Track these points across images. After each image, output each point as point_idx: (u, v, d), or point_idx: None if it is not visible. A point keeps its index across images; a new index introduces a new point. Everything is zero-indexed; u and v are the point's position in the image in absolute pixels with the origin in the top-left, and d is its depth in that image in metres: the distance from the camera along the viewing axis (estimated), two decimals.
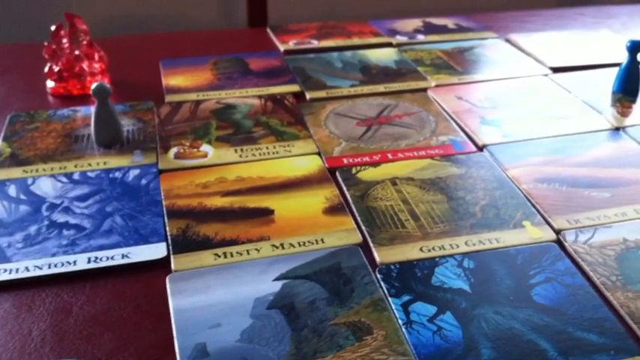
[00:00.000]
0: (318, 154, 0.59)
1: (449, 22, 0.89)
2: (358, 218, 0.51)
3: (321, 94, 0.69)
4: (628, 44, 0.68)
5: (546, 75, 0.74)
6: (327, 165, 0.57)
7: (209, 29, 1.45)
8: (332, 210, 0.52)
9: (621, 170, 0.57)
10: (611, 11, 0.98)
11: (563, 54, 0.79)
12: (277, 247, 0.48)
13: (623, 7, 1.00)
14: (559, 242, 0.49)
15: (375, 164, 0.58)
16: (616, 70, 0.71)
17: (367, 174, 0.56)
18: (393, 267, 0.46)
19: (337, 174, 0.56)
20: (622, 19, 0.94)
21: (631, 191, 0.54)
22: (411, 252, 0.47)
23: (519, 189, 0.55)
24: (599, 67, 0.76)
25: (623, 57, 0.70)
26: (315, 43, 0.81)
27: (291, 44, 0.81)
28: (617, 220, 0.51)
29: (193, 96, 0.68)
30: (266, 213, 0.51)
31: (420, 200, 0.53)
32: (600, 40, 0.84)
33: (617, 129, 0.64)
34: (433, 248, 0.48)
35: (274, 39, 0.83)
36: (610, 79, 0.71)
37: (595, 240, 0.49)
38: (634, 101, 0.69)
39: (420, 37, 0.83)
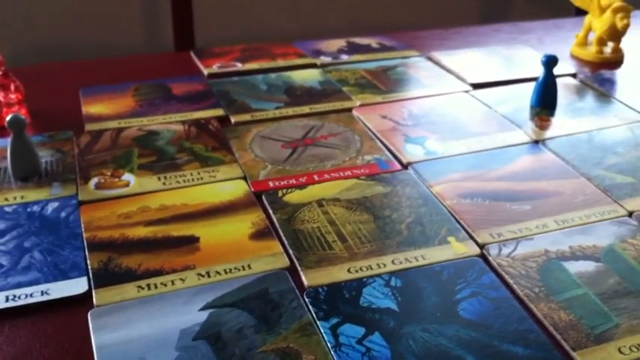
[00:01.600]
0: (244, 178, 0.58)
1: (372, 42, 0.90)
2: (285, 242, 0.51)
3: (246, 117, 0.69)
4: (543, 59, 0.71)
5: (467, 91, 0.76)
6: (252, 189, 0.57)
7: (136, 54, 1.44)
8: (258, 235, 0.51)
9: (541, 182, 0.59)
10: (527, 27, 1.01)
11: (482, 70, 0.81)
12: (203, 276, 0.47)
13: (538, 22, 1.03)
14: (483, 256, 0.50)
15: (302, 186, 0.57)
16: (533, 84, 0.73)
17: (293, 196, 0.56)
18: (321, 290, 0.46)
19: (263, 198, 0.56)
20: (538, 34, 0.97)
21: (550, 203, 0.56)
22: (338, 273, 0.47)
23: (444, 205, 0.55)
24: (518, 82, 0.78)
25: (540, 71, 0.72)
26: (240, 66, 0.80)
27: (215, 68, 0.80)
28: (538, 231, 0.52)
29: (114, 124, 0.67)
30: (191, 241, 0.50)
31: (347, 221, 0.53)
32: (518, 56, 0.86)
33: (536, 142, 0.65)
34: (361, 269, 0.48)
35: (198, 63, 0.82)
36: (528, 94, 0.73)
37: (518, 252, 0.50)
38: (552, 114, 0.71)
39: (344, 57, 0.84)
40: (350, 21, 1.89)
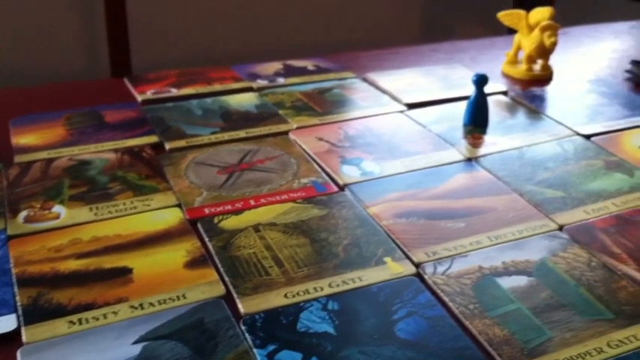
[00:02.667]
0: (179, 206, 0.58)
1: (308, 64, 0.90)
2: (221, 269, 0.50)
3: (181, 143, 0.68)
4: (474, 78, 0.72)
5: (402, 111, 0.77)
6: (187, 216, 0.56)
7: (72, 81, 1.42)
8: (194, 263, 0.50)
9: (474, 200, 0.60)
10: (462, 46, 1.03)
11: (418, 90, 0.82)
12: (136, 308, 0.46)
13: (472, 41, 1.06)
14: (419, 275, 0.50)
15: (238, 212, 0.57)
16: (466, 103, 0.74)
17: (229, 223, 0.56)
18: (257, 317, 0.46)
19: (199, 225, 0.55)
20: (471, 54, 0.99)
21: (484, 219, 0.57)
22: (275, 299, 0.47)
23: (380, 226, 0.56)
24: (452, 101, 0.80)
25: (472, 90, 0.73)
26: (175, 92, 0.80)
27: (149, 94, 0.79)
28: (472, 248, 0.53)
29: (44, 154, 0.65)
30: (124, 272, 0.49)
31: (284, 245, 0.53)
32: (452, 75, 0.88)
33: (470, 160, 0.67)
34: (298, 293, 0.48)
35: (132, 89, 0.81)
36: (462, 112, 0.74)
37: (452, 270, 0.50)
38: (484, 132, 0.72)
39: (281, 80, 0.84)
40: (288, 43, 1.90)
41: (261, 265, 0.50)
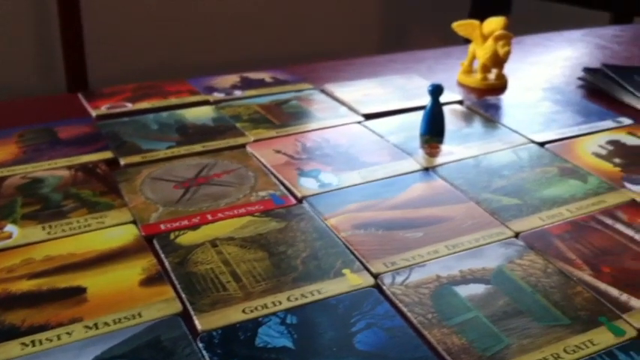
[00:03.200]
0: (134, 222, 0.57)
1: (266, 76, 0.90)
2: (178, 286, 0.49)
3: (136, 158, 0.67)
4: (429, 88, 0.73)
5: (359, 122, 0.77)
6: (143, 233, 0.55)
7: (25, 97, 1.39)
8: (149, 281, 0.50)
9: (432, 209, 0.60)
10: (419, 56, 1.04)
11: (375, 101, 0.83)
12: (91, 328, 0.45)
13: (429, 51, 1.07)
14: (378, 286, 0.50)
15: (195, 227, 0.56)
16: (423, 112, 0.75)
17: (186, 238, 0.55)
18: (215, 333, 0.45)
19: (155, 241, 0.54)
20: (428, 63, 1.00)
21: (442, 229, 0.57)
22: (233, 315, 0.46)
23: (338, 237, 0.55)
24: (409, 111, 0.80)
25: (428, 100, 0.74)
26: (130, 106, 0.79)
27: (104, 109, 0.78)
28: (430, 258, 0.53)
29: None
30: (78, 292, 0.48)
31: (242, 260, 0.52)
32: (409, 85, 0.89)
33: (427, 169, 0.67)
34: (256, 308, 0.47)
35: (86, 104, 0.80)
36: (419, 122, 0.75)
37: (411, 280, 0.51)
38: (441, 141, 0.73)
39: (238, 93, 0.84)
40: (245, 56, 1.90)
41: (218, 281, 0.50)
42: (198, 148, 0.70)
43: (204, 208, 0.59)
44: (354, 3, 2.09)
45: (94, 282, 0.49)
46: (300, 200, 0.61)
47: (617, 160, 0.69)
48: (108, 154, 0.68)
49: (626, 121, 0.79)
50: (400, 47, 2.16)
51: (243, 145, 0.71)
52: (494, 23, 0.88)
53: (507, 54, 0.87)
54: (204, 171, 0.65)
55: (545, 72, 0.99)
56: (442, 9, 2.11)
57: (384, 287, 0.50)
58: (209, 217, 0.58)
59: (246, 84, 0.87)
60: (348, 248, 0.54)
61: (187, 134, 0.73)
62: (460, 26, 0.91)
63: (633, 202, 0.62)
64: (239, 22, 1.94)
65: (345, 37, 2.10)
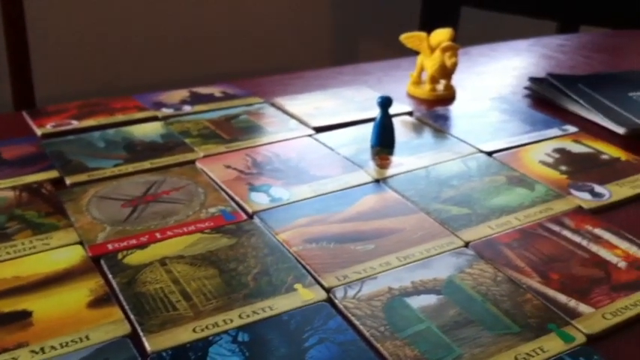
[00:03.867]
0: (81, 243, 0.55)
1: (215, 91, 0.89)
2: (126, 307, 0.48)
3: (82, 177, 0.66)
4: (379, 100, 0.73)
5: (310, 135, 0.77)
6: (90, 254, 0.54)
7: None
8: (97, 302, 0.49)
9: (383, 221, 0.60)
10: (367, 68, 1.05)
11: (325, 113, 0.83)
12: (37, 353, 0.44)
13: (378, 63, 1.07)
14: (330, 300, 0.50)
15: (143, 246, 0.55)
16: (373, 124, 0.75)
17: (134, 258, 0.54)
18: (165, 354, 0.44)
19: (102, 262, 0.53)
20: (378, 75, 1.01)
21: (393, 240, 0.57)
22: (183, 335, 0.46)
23: (290, 252, 0.55)
24: (359, 123, 0.80)
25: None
26: (76, 124, 0.77)
27: (49, 127, 0.76)
28: (381, 270, 0.53)
29: None
30: (23, 316, 0.47)
31: (192, 278, 0.52)
32: (358, 97, 0.89)
33: (378, 181, 0.67)
34: (207, 327, 0.46)
35: (31, 123, 0.78)
36: (369, 134, 0.75)
37: (363, 293, 0.50)
38: (391, 153, 0.73)
39: (187, 108, 0.83)
40: (194, 72, 1.89)
41: (168, 300, 0.49)
42: (146, 165, 0.69)
43: (152, 226, 0.58)
44: (304, 16, 2.10)
45: (39, 305, 0.48)
46: (250, 216, 0.61)
47: (563, 168, 0.71)
48: (53, 174, 0.66)
49: (572, 129, 0.81)
50: (352, 59, 2.18)
51: (192, 161, 0.70)
52: (441, 35, 0.89)
53: (454, 65, 0.88)
54: (153, 188, 0.64)
55: (492, 82, 1.00)
56: (393, 21, 2.14)
57: (336, 301, 0.50)
58: (158, 235, 0.57)
59: (196, 99, 0.86)
60: (300, 263, 0.54)
61: (135, 151, 0.71)
62: (408, 38, 0.91)
63: (579, 208, 0.63)
64: (188, 37, 1.93)
65: (296, 51, 2.10)
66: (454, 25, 1.85)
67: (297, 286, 0.51)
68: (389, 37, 0.93)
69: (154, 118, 0.80)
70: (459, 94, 0.93)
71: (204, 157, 0.71)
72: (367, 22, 2.22)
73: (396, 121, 0.79)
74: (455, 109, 0.87)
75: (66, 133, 0.75)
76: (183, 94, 0.88)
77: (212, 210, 0.61)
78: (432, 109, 0.86)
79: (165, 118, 0.80)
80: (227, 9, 1.96)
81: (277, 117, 0.82)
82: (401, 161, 0.71)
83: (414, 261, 0.54)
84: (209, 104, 0.85)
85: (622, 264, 0.55)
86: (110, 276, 0.52)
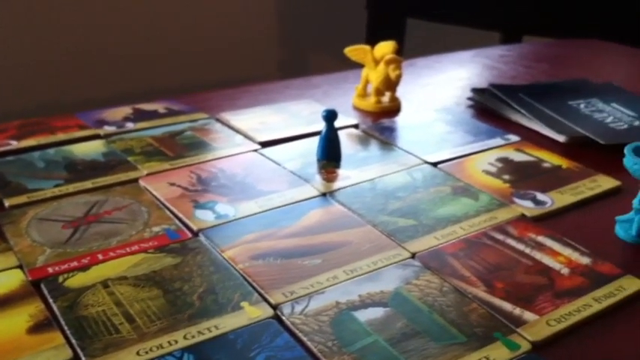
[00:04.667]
0: (20, 267, 0.54)
1: (159, 107, 0.88)
2: (67, 331, 0.47)
3: (22, 199, 0.64)
4: (324, 114, 0.73)
5: (256, 150, 0.76)
6: (30, 278, 0.52)
7: None
8: (37, 328, 0.47)
9: (330, 235, 0.60)
10: (314, 82, 1.05)
11: (271, 128, 0.82)
12: None
13: (324, 76, 1.08)
14: (277, 317, 0.49)
15: (85, 268, 0.54)
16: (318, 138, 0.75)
17: (76, 280, 0.52)
18: None
19: (42, 286, 0.52)
20: (324, 88, 1.01)
21: (340, 254, 0.57)
22: (127, 358, 0.45)
23: (236, 269, 0.54)
24: (305, 137, 0.80)
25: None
26: (15, 144, 0.75)
27: None
28: (329, 284, 0.53)
29: None
30: None
31: (135, 299, 0.51)
32: (305, 111, 0.89)
33: (324, 195, 0.67)
34: (151, 349, 0.45)
35: None
36: (315, 148, 0.75)
37: (310, 308, 0.50)
38: (337, 166, 0.73)
39: (130, 126, 0.82)
40: (139, 88, 1.86)
41: (110, 323, 0.48)
42: (88, 185, 0.67)
43: (94, 247, 0.57)
44: (251, 29, 2.10)
45: None
46: (195, 233, 0.60)
47: (506, 177, 0.72)
48: None
49: (514, 138, 0.82)
50: (302, 72, 2.18)
51: (135, 180, 0.69)
52: (385, 47, 0.90)
53: (399, 77, 0.89)
54: (95, 208, 0.63)
55: (436, 93, 1.01)
56: (343, 33, 2.15)
57: (284, 318, 0.49)
58: (100, 256, 0.56)
59: (139, 116, 0.85)
60: (247, 280, 0.53)
61: (76, 171, 0.70)
62: (352, 51, 0.92)
63: (523, 216, 0.64)
64: (132, 53, 1.90)
65: (245, 65, 2.10)
66: (400, 36, 1.87)
67: (244, 303, 0.50)
68: (339, 49, 0.93)
69: (96, 137, 0.79)
70: (405, 106, 0.94)
71: (148, 175, 0.70)
72: (317, 35, 2.23)
73: (342, 134, 0.79)
74: (400, 121, 0.88)
75: (5, 154, 0.73)
76: (126, 111, 0.87)
77: (156, 229, 0.60)
78: (378, 122, 0.87)
79: (107, 136, 0.79)
80: (173, 22, 1.94)
81: (223, 132, 0.81)
82: (347, 174, 0.71)
83: (362, 274, 0.54)
84: (153, 121, 0.83)
85: (565, 270, 0.56)
86: (51, 300, 0.50)
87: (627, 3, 1.59)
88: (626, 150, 0.59)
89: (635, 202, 0.61)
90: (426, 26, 2.00)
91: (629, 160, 0.59)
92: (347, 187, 0.69)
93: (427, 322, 0.49)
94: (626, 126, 0.84)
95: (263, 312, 0.50)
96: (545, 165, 0.75)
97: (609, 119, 0.86)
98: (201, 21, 1.99)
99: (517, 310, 0.51)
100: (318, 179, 0.70)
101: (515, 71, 1.14)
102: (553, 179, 0.71)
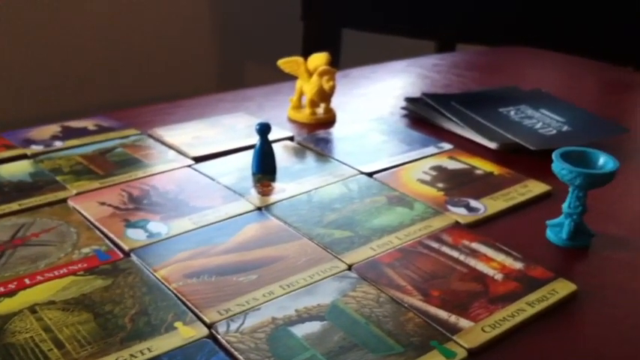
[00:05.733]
0: None
1: (89, 124, 0.86)
2: None
3: None
4: (257, 127, 0.73)
5: (189, 166, 0.75)
6: None
7: None
8: None
9: (266, 249, 0.59)
10: (248, 94, 1.04)
11: (204, 143, 0.81)
12: None
13: (258, 88, 1.07)
14: (212, 336, 0.48)
15: (11, 293, 0.52)
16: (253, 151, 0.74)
17: (2, 307, 0.50)
18: None
19: None
20: (258, 101, 1.00)
21: (276, 269, 0.56)
22: None
23: (169, 289, 0.53)
24: (240, 151, 0.80)
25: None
26: None
27: None
28: (265, 300, 0.52)
29: None
30: None
31: (64, 324, 0.49)
32: (239, 124, 0.88)
33: (260, 209, 0.66)
34: None
35: None
36: (250, 161, 0.74)
37: (246, 326, 0.49)
38: (273, 179, 0.73)
39: (58, 144, 0.79)
40: (68, 104, 1.82)
41: (39, 350, 0.46)
42: (14, 207, 0.65)
43: (21, 272, 0.55)
44: (186, 42, 2.07)
45: None
46: (127, 254, 0.58)
47: (440, 185, 0.72)
48: None
49: (447, 146, 0.83)
50: (237, 86, 2.16)
51: (64, 200, 0.67)
52: (318, 59, 0.90)
53: (332, 88, 0.89)
54: (21, 231, 0.61)
55: (371, 103, 1.02)
56: (277, 45, 2.15)
57: (219, 336, 0.48)
58: (27, 281, 0.54)
59: (68, 134, 0.83)
60: (180, 299, 0.52)
61: (2, 193, 0.67)
62: (285, 63, 0.92)
63: (457, 223, 0.65)
64: (61, 68, 1.86)
65: (178, 79, 2.07)
66: (337, 47, 1.88)
67: (178, 324, 0.49)
68: (277, 61, 0.92)
69: (23, 156, 0.76)
70: (340, 117, 0.94)
71: (77, 194, 0.68)
72: (255, 47, 2.22)
73: (277, 146, 0.78)
74: (336, 132, 0.88)
75: None
76: (54, 129, 0.84)
77: (85, 250, 0.58)
78: (313, 133, 0.87)
79: (34, 155, 0.76)
80: (102, 36, 1.90)
81: (155, 148, 0.79)
82: (283, 187, 0.71)
83: (298, 288, 0.54)
84: (82, 139, 0.81)
85: (499, 276, 0.56)
86: None
87: (555, 10, 1.64)
88: (554, 156, 0.61)
89: (564, 206, 0.62)
90: (366, 37, 2.02)
91: (557, 166, 0.60)
92: (283, 200, 0.68)
93: (364, 333, 0.49)
94: (554, 131, 0.86)
95: (197, 332, 0.49)
96: (478, 172, 0.76)
97: (538, 125, 0.88)
98: (135, 34, 1.96)
99: (453, 318, 0.51)
100: (253, 193, 0.69)
101: (448, 80, 1.16)
102: (485, 186, 0.73)
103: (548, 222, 0.64)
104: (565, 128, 0.88)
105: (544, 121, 0.90)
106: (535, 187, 0.72)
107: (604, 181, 0.60)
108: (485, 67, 1.30)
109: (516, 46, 1.42)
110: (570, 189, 0.61)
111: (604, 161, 0.61)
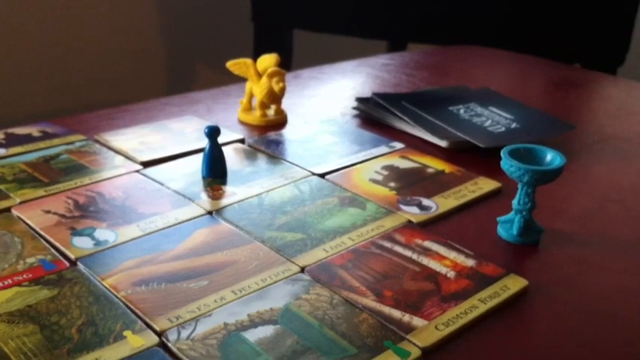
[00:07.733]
0: None
1: (33, 131, 0.83)
2: None
3: None
4: (206, 130, 0.72)
5: (138, 171, 0.74)
6: None
7: None
8: None
9: (216, 255, 0.58)
10: (196, 97, 1.02)
11: (153, 147, 0.80)
12: None
13: (207, 91, 1.06)
14: (163, 344, 0.47)
15: None
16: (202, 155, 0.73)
17: None
18: None
19: None
20: (207, 104, 0.99)
21: (227, 274, 0.55)
22: None
23: (118, 298, 0.52)
24: (189, 155, 0.78)
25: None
26: None
27: None
28: (216, 306, 0.51)
29: None
30: None
31: (9, 337, 0.47)
32: (187, 128, 0.87)
33: (210, 213, 0.65)
34: None
35: None
36: (199, 165, 0.73)
37: (197, 332, 0.48)
38: (223, 183, 0.72)
39: (1, 152, 0.77)
40: (12, 110, 1.78)
41: None
42: None
43: None
44: (134, 45, 2.04)
45: None
46: (73, 263, 0.57)
47: (392, 184, 0.72)
48: None
49: (398, 145, 0.84)
50: (188, 89, 2.14)
51: (8, 209, 0.64)
52: (267, 60, 0.89)
53: (282, 90, 0.88)
54: None
55: (322, 104, 1.02)
56: (227, 47, 2.13)
57: (169, 344, 0.47)
58: None
59: (11, 141, 0.80)
60: (129, 308, 0.51)
61: None
62: (234, 65, 0.91)
63: (409, 223, 0.65)
64: (4, 74, 1.81)
65: (126, 83, 2.04)
66: (288, 48, 1.87)
67: (127, 333, 0.48)
68: (223, 62, 0.91)
69: None
70: (291, 119, 0.93)
71: (21, 203, 0.66)
72: (205, 49, 2.19)
73: (227, 149, 0.78)
74: (287, 134, 0.87)
75: None
76: None
77: (30, 260, 0.56)
78: (264, 135, 0.86)
79: None
80: (46, 39, 1.86)
81: (101, 154, 0.78)
82: (234, 191, 0.70)
83: (250, 293, 0.53)
84: (26, 146, 0.79)
85: (451, 274, 0.56)
86: None
87: (505, 9, 1.66)
88: (502, 153, 0.61)
89: (514, 202, 0.62)
90: (313, 38, 2.01)
91: (505, 163, 0.61)
92: (233, 203, 0.67)
93: (317, 336, 0.48)
94: (503, 129, 0.87)
95: (147, 340, 0.47)
96: (429, 170, 0.76)
97: (487, 123, 0.89)
98: (80, 37, 1.92)
99: (406, 317, 0.51)
100: (203, 198, 0.68)
101: (397, 79, 1.17)
102: (437, 184, 0.73)
103: (498, 219, 0.65)
104: (513, 125, 0.89)
105: (493, 119, 0.91)
106: (485, 185, 0.73)
107: (551, 177, 0.60)
108: (435, 66, 1.31)
109: (467, 45, 1.43)
110: (519, 186, 0.62)
111: (551, 158, 0.62)
